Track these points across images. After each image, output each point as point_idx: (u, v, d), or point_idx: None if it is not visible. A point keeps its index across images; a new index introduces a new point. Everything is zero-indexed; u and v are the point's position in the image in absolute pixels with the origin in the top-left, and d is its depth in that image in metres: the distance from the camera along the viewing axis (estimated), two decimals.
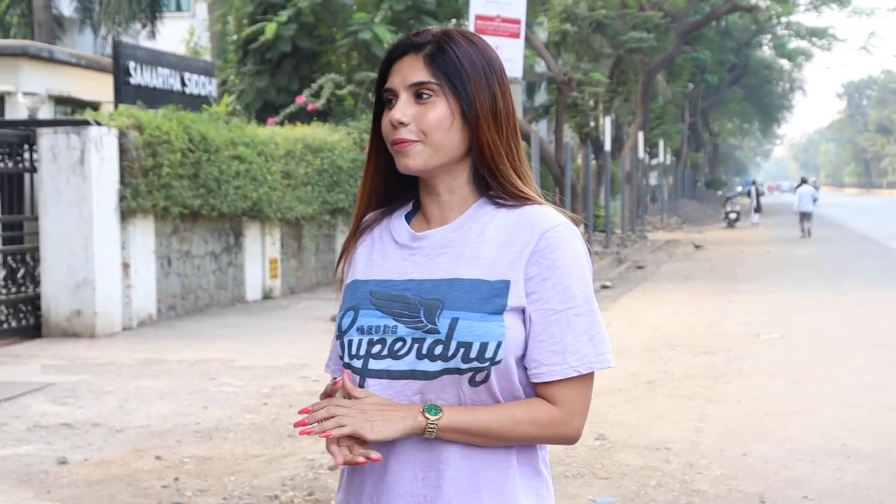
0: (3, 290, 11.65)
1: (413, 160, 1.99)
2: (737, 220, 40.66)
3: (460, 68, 1.99)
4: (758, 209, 43.10)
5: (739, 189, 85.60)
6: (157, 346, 11.14)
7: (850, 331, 12.45)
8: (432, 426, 1.91)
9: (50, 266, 11.85)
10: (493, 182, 2.03)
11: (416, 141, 1.98)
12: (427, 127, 1.98)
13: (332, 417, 1.90)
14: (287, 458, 6.76)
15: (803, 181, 36.41)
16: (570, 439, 2.00)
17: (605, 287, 17.65)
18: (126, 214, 12.32)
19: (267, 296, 15.60)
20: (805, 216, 33.23)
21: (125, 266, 12.36)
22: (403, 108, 1.98)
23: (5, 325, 11.59)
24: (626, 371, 9.86)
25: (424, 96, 1.98)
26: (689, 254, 26.35)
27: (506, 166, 2.03)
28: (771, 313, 14.11)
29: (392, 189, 2.12)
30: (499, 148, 2.02)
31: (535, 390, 1.98)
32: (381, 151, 2.08)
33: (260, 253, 15.55)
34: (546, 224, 2.00)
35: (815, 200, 34.65)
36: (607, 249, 25.05)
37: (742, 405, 8.40)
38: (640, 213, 36.34)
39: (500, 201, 2.02)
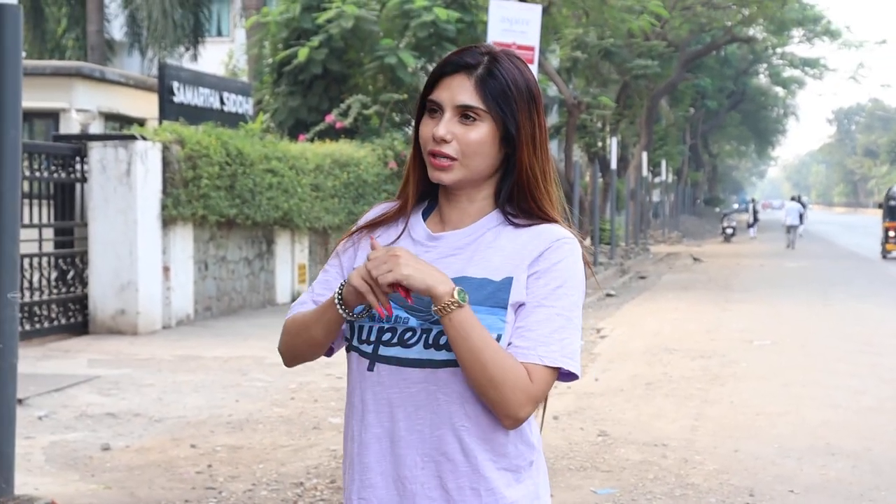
0: (55, 290, 11.70)
1: (447, 176, 1.97)
2: (733, 234, 40.58)
3: (509, 95, 1.96)
4: (754, 223, 44.06)
5: (736, 206, 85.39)
6: (194, 344, 11.17)
7: (836, 338, 12.39)
8: (451, 307, 1.85)
9: (97, 269, 11.90)
10: (521, 203, 2.01)
11: (455, 160, 1.96)
12: (468, 149, 1.95)
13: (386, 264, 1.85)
14: (312, 449, 6.77)
15: (793, 199, 38.18)
16: (515, 415, 1.89)
17: (609, 295, 17.61)
18: (167, 222, 12.36)
19: (295, 299, 15.56)
20: (791, 228, 34.71)
21: (166, 270, 12.39)
22: (448, 126, 1.95)
23: (56, 322, 11.64)
24: (628, 373, 9.83)
25: (469, 118, 1.95)
26: (688, 266, 26.27)
27: (540, 190, 2.01)
28: (763, 321, 14.05)
29: (421, 185, 2.09)
30: (535, 172, 2.00)
31: None
32: (420, 154, 2.05)
33: (290, 259, 15.57)
34: (553, 235, 1.99)
35: (801, 216, 35.93)
36: (612, 261, 24.99)
37: (735, 406, 8.36)
38: (643, 227, 36.25)
39: (514, 219, 2.01)
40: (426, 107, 2.00)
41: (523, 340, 1.93)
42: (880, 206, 31.60)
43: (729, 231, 40.45)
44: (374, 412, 1.99)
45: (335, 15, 18.49)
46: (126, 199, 11.85)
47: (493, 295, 1.94)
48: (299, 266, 15.77)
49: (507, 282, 1.95)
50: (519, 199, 2.01)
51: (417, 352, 1.95)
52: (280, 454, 6.63)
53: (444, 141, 1.94)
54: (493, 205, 2.03)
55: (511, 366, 1.88)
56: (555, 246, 1.97)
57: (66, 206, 12.07)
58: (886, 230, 29.48)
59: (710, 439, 7.19)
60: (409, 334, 1.96)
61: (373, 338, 1.99)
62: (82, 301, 11.98)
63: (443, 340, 1.92)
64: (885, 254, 29.48)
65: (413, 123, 2.09)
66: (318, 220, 15.68)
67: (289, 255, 15.52)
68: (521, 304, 1.95)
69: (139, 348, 10.81)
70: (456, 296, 1.85)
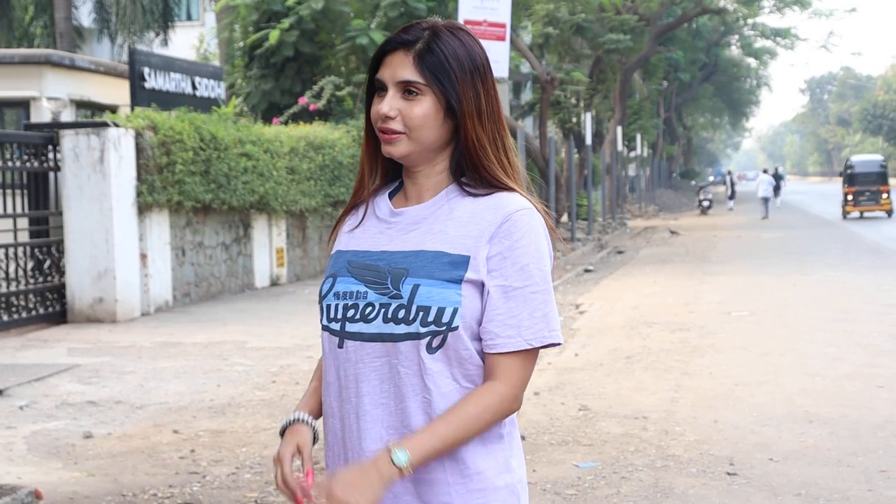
0: (31, 280, 11.65)
1: (396, 149, 2.01)
2: (709, 207, 40.81)
3: (448, 68, 1.99)
4: (732, 196, 44.71)
5: (711, 179, 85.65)
6: (174, 330, 11.16)
7: (812, 307, 12.50)
8: (403, 472, 1.89)
9: (74, 257, 11.86)
10: (473, 173, 2.03)
11: (402, 133, 2.00)
12: (412, 122, 1.99)
13: None
14: None
15: (765, 171, 40.21)
16: (515, 411, 2.01)
17: (587, 271, 17.69)
18: (143, 209, 12.33)
19: (274, 283, 15.61)
20: (765, 200, 35.98)
21: (143, 256, 12.37)
22: (391, 103, 1.99)
23: (34, 312, 11.60)
24: (608, 347, 9.90)
25: (412, 93, 1.99)
26: (665, 239, 26.39)
27: (490, 160, 2.02)
28: (741, 292, 14.15)
29: (387, 166, 2.13)
30: (483, 142, 2.01)
31: (486, 360, 1.98)
32: (373, 134, 2.09)
33: (267, 243, 15.55)
34: (510, 208, 2.00)
35: (777, 188, 39.77)
36: (589, 236, 25.08)
37: (714, 377, 8.44)
38: (619, 202, 36.36)
39: (470, 189, 2.03)
40: (374, 86, 2.04)
41: (506, 328, 1.96)
42: (842, 174, 37.09)
43: (705, 204, 40.68)
44: (345, 388, 2.03)
45: None
46: (100, 187, 11.81)
47: (447, 270, 1.96)
48: (277, 250, 15.76)
49: (464, 260, 1.96)
50: (469, 169, 2.03)
51: (377, 326, 1.97)
52: (263, 437, 6.65)
53: (388, 118, 1.99)
54: (450, 178, 2.06)
55: (480, 410, 1.94)
56: (512, 219, 1.98)
57: (41, 196, 12.01)
58: (845, 195, 34.57)
59: (690, 410, 7.25)
60: (369, 309, 1.99)
61: (339, 315, 2.02)
62: (60, 290, 11.95)
63: (401, 314, 1.95)
64: (845, 215, 34.52)
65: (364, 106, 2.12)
66: (295, 203, 15.67)
67: (266, 239, 15.50)
68: (481, 283, 1.96)
69: (118, 336, 10.80)
70: (399, 465, 1.88)
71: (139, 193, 12.18)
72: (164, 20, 29.33)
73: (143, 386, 8.27)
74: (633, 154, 45.04)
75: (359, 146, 17.43)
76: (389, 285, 1.97)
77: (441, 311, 1.93)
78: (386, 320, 1.96)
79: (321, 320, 2.08)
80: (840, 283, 15.00)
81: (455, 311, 1.94)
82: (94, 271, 11.81)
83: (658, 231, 29.74)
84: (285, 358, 9.41)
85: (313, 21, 18.79)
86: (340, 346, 2.02)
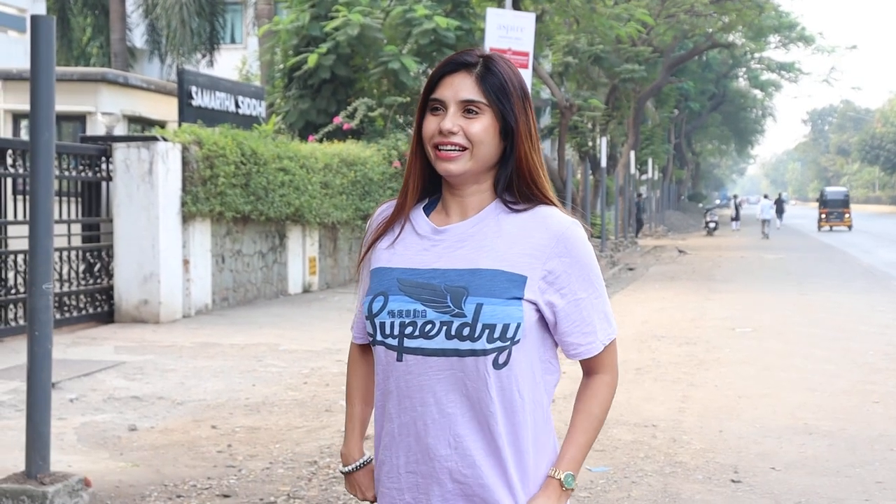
0: (83, 282, 11.71)
1: (456, 166, 1.98)
2: (715, 228, 40.67)
3: (507, 90, 1.99)
4: (737, 218, 45.58)
5: (718, 202, 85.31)
6: (213, 332, 11.18)
7: (811, 325, 12.41)
8: (572, 487, 2.05)
9: (121, 262, 11.91)
10: (524, 190, 2.02)
11: (465, 149, 1.97)
12: (475, 138, 1.97)
13: None
14: (324, 430, 6.79)
15: (765, 196, 43.16)
16: (617, 385, 2.16)
17: None
18: (187, 218, 12.37)
19: (306, 290, 15.62)
20: (765, 222, 38.68)
21: (185, 262, 12.40)
22: (454, 119, 1.97)
23: (84, 312, 11.65)
24: (619, 358, 9.84)
25: (472, 112, 1.97)
26: (673, 258, 26.28)
27: (539, 176, 2.03)
28: (744, 309, 14.07)
29: (425, 183, 2.10)
30: (533, 162, 2.02)
31: (581, 363, 2.10)
32: (420, 153, 2.06)
33: (301, 252, 15.58)
34: (559, 225, 2.01)
35: (780, 212, 44.28)
36: (602, 253, 25.01)
37: (719, 389, 8.38)
38: (631, 221, 36.25)
39: (513, 206, 2.02)
40: (428, 106, 2.02)
41: (585, 336, 2.05)
42: (818, 200, 51.09)
43: (712, 225, 40.56)
44: (408, 397, 2.00)
45: (342, 23, 18.49)
46: (148, 197, 11.86)
47: (507, 289, 1.95)
48: (310, 259, 15.78)
49: (521, 279, 1.97)
50: (520, 185, 2.02)
51: (440, 342, 1.95)
52: (295, 434, 6.65)
53: (451, 133, 1.96)
54: (492, 196, 2.04)
55: (602, 407, 2.11)
56: (566, 236, 2.00)
57: (93, 203, 12.08)
58: (820, 214, 47.93)
59: (697, 420, 7.21)
60: (429, 326, 1.96)
61: (396, 332, 1.99)
62: (108, 292, 11.99)
63: (465, 332, 1.93)
64: (819, 227, 46.96)
65: (414, 124, 2.09)
66: (328, 215, 15.69)
67: (300, 248, 15.52)
68: (535, 302, 1.98)
69: (161, 336, 10.83)
70: (569, 486, 2.05)
71: (183, 203, 12.23)
72: (211, 43, 29.54)
73: (183, 383, 8.29)
74: (644, 177, 44.94)
75: (388, 163, 17.47)
76: (450, 304, 1.95)
77: (506, 327, 1.93)
78: (449, 337, 1.95)
79: (374, 335, 2.03)
80: (837, 304, 14.89)
81: (519, 326, 1.94)
82: (140, 275, 11.85)
83: (667, 250, 29.61)
84: (316, 360, 9.41)
85: (349, 46, 18.83)
86: (399, 359, 1.99)
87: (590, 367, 2.11)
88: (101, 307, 11.91)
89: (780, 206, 47.56)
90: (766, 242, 33.86)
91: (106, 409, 7.36)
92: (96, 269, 11.96)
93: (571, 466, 2.04)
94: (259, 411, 7.32)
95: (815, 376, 8.96)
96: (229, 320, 12.21)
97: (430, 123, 2.00)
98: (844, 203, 47.07)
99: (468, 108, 1.97)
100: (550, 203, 2.04)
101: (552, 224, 2.01)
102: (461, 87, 1.98)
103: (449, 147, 1.97)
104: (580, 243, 2.02)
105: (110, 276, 12.04)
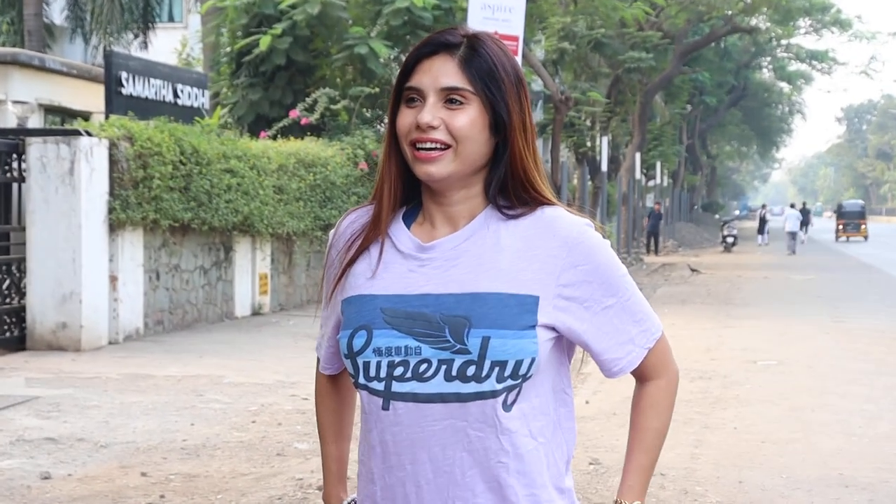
0: None
1: (438, 168, 1.91)
2: (734, 244, 40.85)
3: (497, 76, 1.92)
4: (763, 231, 46.89)
5: (737, 213, 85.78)
6: (144, 361, 11.11)
7: (848, 358, 12.46)
8: None
9: (36, 278, 11.83)
10: (520, 193, 1.96)
11: (448, 147, 1.90)
12: (459, 132, 1.89)
13: None
14: (275, 477, 6.75)
15: (792, 206, 45.01)
16: (678, 381, 2.13)
17: None
18: (115, 227, 12.31)
19: (256, 312, 15.58)
20: (791, 235, 39.51)
21: (113, 279, 12.34)
22: (433, 111, 1.90)
23: None
24: (621, 394, 9.85)
25: (456, 102, 1.90)
26: (685, 277, 26.39)
27: (536, 176, 1.97)
28: (768, 339, 14.12)
29: (402, 190, 2.03)
30: (529, 160, 1.96)
31: (634, 371, 2.07)
32: (396, 151, 1.99)
33: (250, 268, 15.54)
34: (570, 228, 1.96)
35: (804, 223, 45.62)
36: None
37: (738, 432, 8.39)
38: (636, 235, 36.39)
39: (508, 211, 1.96)
40: (403, 96, 1.95)
41: (622, 348, 2.02)
42: (835, 212, 62.98)
43: (730, 240, 40.71)
44: (395, 454, 1.94)
45: (300, 0, 18.50)
46: (69, 202, 11.80)
47: (519, 316, 1.89)
48: (260, 276, 15.74)
49: (533, 301, 1.91)
50: (515, 187, 1.96)
51: (437, 385, 1.88)
52: (240, 483, 6.60)
53: (431, 127, 1.89)
54: (485, 201, 1.98)
55: (662, 420, 2.08)
56: (580, 239, 1.96)
57: (1, 209, 12.00)
58: (837, 225, 57.37)
59: (712, 468, 7.21)
60: (424, 366, 1.89)
61: (383, 374, 1.91)
62: (19, 314, 11.90)
63: (470, 371, 1.87)
64: (837, 238, 55.87)
65: (387, 119, 2.03)
66: (282, 225, 15.66)
67: (249, 263, 15.49)
68: (552, 326, 1.94)
69: (83, 366, 10.74)
70: None
71: (111, 210, 12.17)
72: (145, 21, 29.48)
73: (108, 422, 8.22)
74: (651, 183, 45.16)
75: (353, 165, 17.48)
76: (449, 338, 1.88)
77: (519, 363, 1.88)
78: (449, 378, 1.88)
79: (356, 377, 1.96)
80: (879, 332, 14.97)
81: (533, 361, 1.89)
82: (58, 294, 11.77)
83: (677, 268, 29.74)
84: (267, 395, 9.36)
85: (308, 27, 18.84)
86: (386, 407, 1.92)
87: (640, 375, 2.08)
88: (10, 332, 11.82)
89: (805, 216, 48.14)
90: (793, 260, 34.15)
91: (13, 453, 7.29)
92: (5, 286, 11.88)
93: (636, 495, 2.03)
94: (198, 455, 7.27)
95: (852, 418, 8.98)
96: (164, 348, 12.14)
97: (406, 117, 1.93)
98: (861, 215, 56.97)
99: (451, 98, 1.90)
100: (552, 203, 1.99)
101: (561, 228, 1.95)
102: (442, 72, 1.91)
103: (429, 145, 1.90)
104: (597, 245, 1.97)
105: (22, 295, 11.95)
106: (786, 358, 12.38)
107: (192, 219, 13.50)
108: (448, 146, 1.90)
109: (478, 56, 1.92)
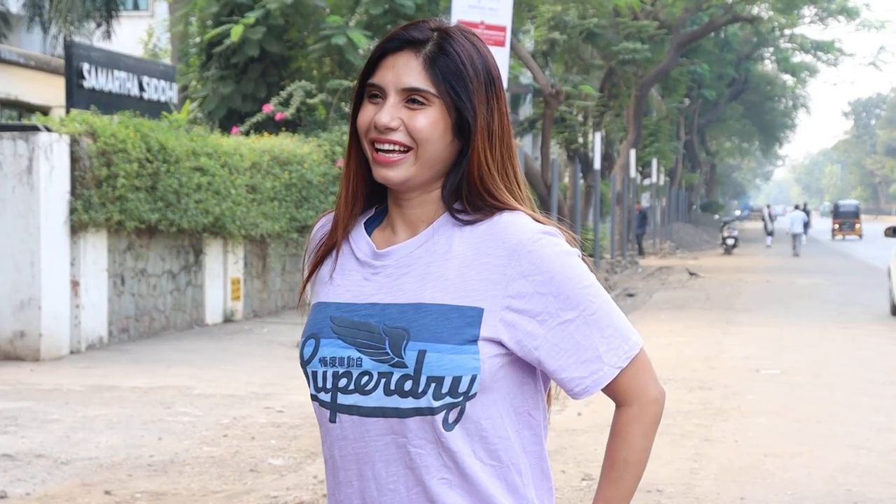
0: None
1: (396, 172, 1.91)
2: (734, 245, 40.95)
3: (464, 76, 1.91)
4: (770, 232, 48.17)
5: (738, 213, 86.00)
6: (108, 372, 11.08)
7: (856, 367, 12.50)
8: None
9: None
10: (475, 200, 1.94)
11: (408, 150, 1.90)
12: (419, 134, 1.89)
13: None
14: (248, 495, 6.74)
15: (796, 207, 46.68)
16: (663, 406, 2.03)
17: None
18: (77, 228, 12.28)
19: (228, 319, 15.56)
20: (796, 237, 40.86)
21: (74, 284, 12.31)
22: (392, 111, 1.89)
23: None
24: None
25: (417, 102, 1.90)
26: (683, 281, 26.44)
27: (493, 183, 1.94)
28: (771, 347, 14.16)
29: (371, 192, 2.02)
30: (490, 168, 1.93)
31: (607, 393, 1.99)
32: (358, 150, 1.98)
33: (221, 272, 15.52)
34: (520, 236, 1.91)
35: (805, 225, 44.64)
36: (595, 275, 25.10)
37: (740, 445, 8.41)
38: (630, 236, 36.46)
39: (463, 217, 1.94)
40: (366, 91, 1.95)
41: (586, 366, 1.94)
42: (831, 212, 67.31)
43: (730, 241, 40.79)
44: (343, 469, 1.96)
45: None
46: (27, 202, 11.77)
47: (459, 330, 1.88)
48: (232, 280, 15.72)
49: (476, 314, 1.89)
50: (469, 193, 1.94)
51: (378, 399, 1.89)
52: (211, 501, 6.59)
53: (389, 129, 1.89)
54: (443, 206, 1.97)
55: (638, 448, 2.00)
56: (528, 248, 1.90)
57: None
58: (833, 224, 62.93)
59: (712, 484, 7.22)
60: (365, 378, 1.90)
61: (329, 385, 1.94)
62: None
63: (408, 386, 1.87)
64: (833, 237, 61.09)
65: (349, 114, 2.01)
66: (255, 226, 15.65)
67: (220, 267, 15.47)
68: (499, 340, 1.90)
69: (42, 377, 10.72)
70: None
71: (73, 210, 12.14)
72: (108, 9, 29.33)
73: (69, 437, 8.20)
74: (647, 182, 45.24)
75: (331, 162, 17.48)
76: (388, 350, 1.88)
77: (457, 380, 1.86)
78: (388, 392, 1.88)
79: (309, 386, 1.99)
80: (889, 340, 15.02)
81: (474, 379, 1.87)
82: (15, 300, 11.74)
83: (675, 271, 29.80)
84: (239, 408, 9.35)
85: (282, 16, 18.84)
86: (333, 420, 1.95)
87: (612, 397, 2.00)
88: None
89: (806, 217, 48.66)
90: (797, 263, 34.31)
91: None
92: None
93: None
94: (166, 472, 7.26)
95: (860, 430, 9.01)
96: (130, 357, 12.12)
97: (367, 114, 1.93)
98: (855, 214, 63.12)
99: (412, 98, 1.90)
100: (513, 209, 1.95)
101: (511, 235, 1.91)
102: (404, 71, 1.90)
103: (387, 147, 1.90)
104: (552, 253, 1.91)
105: None
106: (790, 367, 12.41)
107: (160, 220, 13.47)
108: (409, 149, 1.90)
109: (444, 54, 1.91)
